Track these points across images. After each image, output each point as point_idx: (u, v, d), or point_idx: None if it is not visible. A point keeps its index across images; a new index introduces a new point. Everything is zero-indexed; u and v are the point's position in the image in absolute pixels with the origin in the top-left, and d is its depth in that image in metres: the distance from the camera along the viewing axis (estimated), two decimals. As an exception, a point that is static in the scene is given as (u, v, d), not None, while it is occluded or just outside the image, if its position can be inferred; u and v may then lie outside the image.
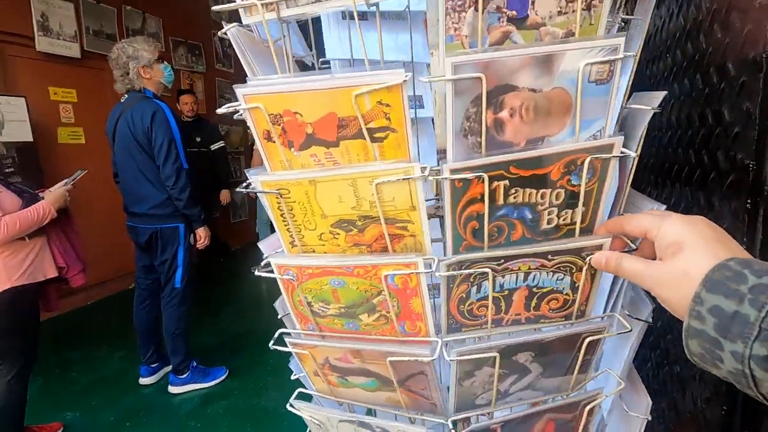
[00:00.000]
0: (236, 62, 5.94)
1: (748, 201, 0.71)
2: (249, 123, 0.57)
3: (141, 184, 2.41)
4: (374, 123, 0.54)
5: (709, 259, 0.37)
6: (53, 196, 1.97)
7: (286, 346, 0.71)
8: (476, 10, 0.52)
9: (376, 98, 0.52)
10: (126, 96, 2.49)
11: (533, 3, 0.51)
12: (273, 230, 0.67)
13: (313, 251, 0.65)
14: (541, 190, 0.56)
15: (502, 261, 0.60)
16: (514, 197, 0.56)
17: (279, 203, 0.61)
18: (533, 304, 0.64)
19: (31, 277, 1.87)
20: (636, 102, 0.61)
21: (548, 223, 0.59)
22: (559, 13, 0.52)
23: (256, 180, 0.59)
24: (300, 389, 0.81)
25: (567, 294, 0.64)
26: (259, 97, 0.55)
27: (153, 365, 2.74)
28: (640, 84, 1.25)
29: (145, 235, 2.48)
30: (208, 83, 5.47)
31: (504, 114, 0.52)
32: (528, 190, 0.56)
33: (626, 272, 0.47)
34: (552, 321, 0.66)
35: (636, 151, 0.58)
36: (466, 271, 0.60)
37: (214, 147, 4.37)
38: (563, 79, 0.51)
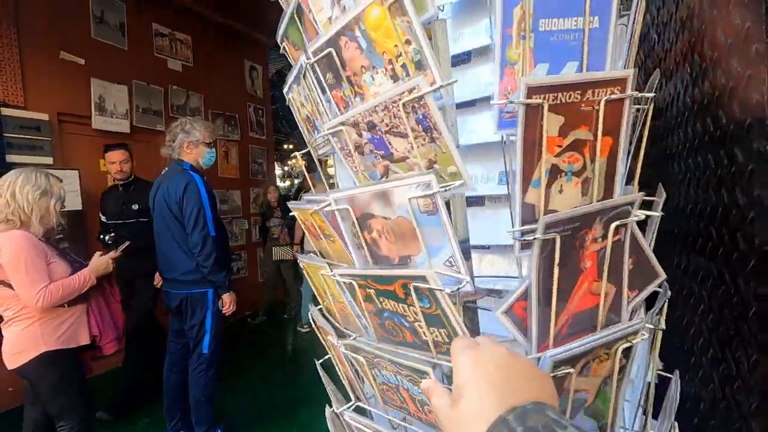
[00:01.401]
0: (267, 130, 6.36)
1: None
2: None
3: (174, 251, 2.55)
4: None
5: (490, 410, 0.33)
6: (96, 263, 2.07)
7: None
8: (359, 154, 0.64)
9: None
10: (166, 168, 2.72)
11: (391, 144, 0.59)
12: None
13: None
14: (401, 304, 0.62)
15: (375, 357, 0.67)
16: (385, 305, 0.64)
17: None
18: (418, 406, 0.69)
19: (64, 344, 1.94)
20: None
21: (424, 335, 0.61)
22: (413, 148, 0.59)
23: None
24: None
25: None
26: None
27: (178, 432, 2.71)
28: (658, 154, 1.27)
29: (176, 300, 2.57)
30: (242, 149, 5.86)
31: (374, 234, 0.61)
32: (391, 301, 0.61)
33: (433, 407, 0.41)
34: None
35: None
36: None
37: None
38: (401, 209, 0.58)
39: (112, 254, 2.21)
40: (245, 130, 5.92)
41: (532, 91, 0.49)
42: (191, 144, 2.66)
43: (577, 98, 0.51)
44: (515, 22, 0.52)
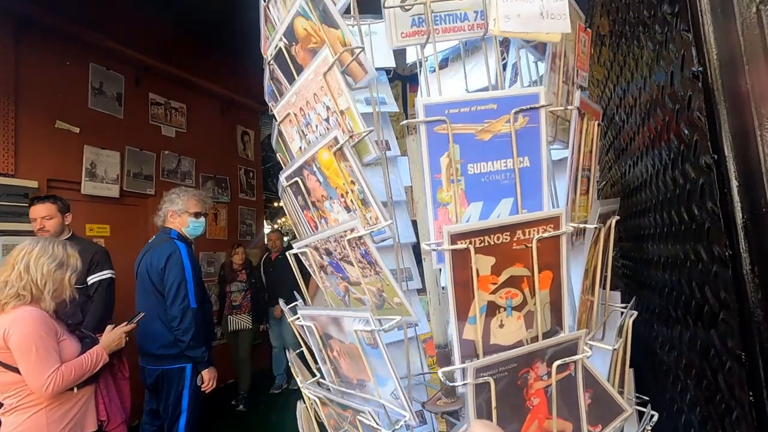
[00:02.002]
0: (258, 192, 6.47)
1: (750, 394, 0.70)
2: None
3: (152, 323, 2.49)
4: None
5: None
6: (109, 339, 1.93)
7: None
8: (323, 272, 0.72)
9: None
10: (154, 237, 2.75)
11: (346, 269, 0.64)
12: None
13: None
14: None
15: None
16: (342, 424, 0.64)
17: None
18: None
19: (70, 432, 1.76)
20: None
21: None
22: (366, 276, 0.63)
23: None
24: None
25: None
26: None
27: None
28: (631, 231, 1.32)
29: (152, 376, 2.48)
30: (231, 211, 5.92)
31: (335, 353, 0.63)
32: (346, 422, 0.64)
33: None
34: None
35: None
36: None
37: (92, 279, 2.71)
38: (350, 336, 0.60)
39: (126, 327, 2.07)
40: (235, 192, 6.02)
41: (456, 237, 0.52)
42: (175, 213, 2.70)
43: (506, 239, 0.55)
44: (443, 169, 0.57)
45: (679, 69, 1.01)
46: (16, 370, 1.68)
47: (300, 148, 0.79)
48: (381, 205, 0.60)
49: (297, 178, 0.73)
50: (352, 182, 0.62)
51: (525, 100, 0.57)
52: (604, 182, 2.15)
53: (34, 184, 3.78)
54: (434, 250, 0.53)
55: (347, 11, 0.77)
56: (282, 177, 0.80)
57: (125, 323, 2.11)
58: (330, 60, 0.62)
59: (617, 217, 0.74)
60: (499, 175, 0.59)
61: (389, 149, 1.24)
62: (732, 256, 0.81)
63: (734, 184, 0.80)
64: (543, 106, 0.57)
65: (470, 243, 0.52)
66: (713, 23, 0.82)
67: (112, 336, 1.97)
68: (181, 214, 2.72)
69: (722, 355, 0.83)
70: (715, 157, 0.84)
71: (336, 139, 0.61)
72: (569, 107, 0.61)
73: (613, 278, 1.89)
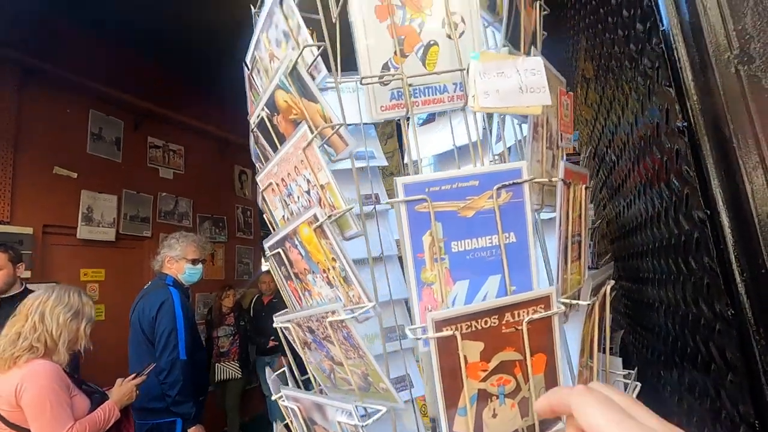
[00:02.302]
0: (255, 230, 6.45)
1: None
2: None
3: (143, 375, 2.41)
4: None
5: None
6: (120, 393, 1.85)
7: None
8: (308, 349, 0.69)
9: None
10: (150, 282, 2.72)
11: (330, 349, 0.61)
12: None
13: None
14: None
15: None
16: None
17: None
18: None
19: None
20: None
21: None
22: (349, 358, 0.61)
23: None
24: None
25: None
26: None
27: None
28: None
29: (141, 430, 2.36)
30: (228, 250, 5.87)
31: None
32: None
33: None
34: None
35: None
36: None
37: None
38: (333, 425, 0.57)
39: (136, 380, 1.98)
40: (232, 231, 6.00)
41: (441, 324, 0.50)
42: (172, 259, 2.68)
43: (495, 322, 0.52)
44: (426, 248, 0.55)
45: (664, 121, 1.01)
46: (21, 429, 1.58)
47: (283, 216, 0.78)
48: (364, 285, 0.58)
49: (279, 249, 0.71)
50: (333, 259, 0.60)
51: (507, 176, 0.56)
52: (599, 220, 2.14)
53: (29, 230, 3.76)
54: (418, 338, 0.50)
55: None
56: (265, 246, 0.78)
57: (133, 376, 2.01)
58: (308, 136, 0.61)
59: (612, 282, 0.71)
60: (485, 252, 0.57)
61: (379, 202, 1.23)
62: (735, 316, 0.78)
63: (730, 242, 0.78)
64: (526, 181, 0.56)
65: (456, 329, 0.50)
66: (694, 81, 0.82)
67: (124, 390, 1.88)
68: (179, 260, 2.69)
69: (733, 417, 0.78)
70: (708, 212, 0.83)
71: (315, 216, 0.60)
72: (554, 179, 0.60)
73: (615, 317, 1.84)
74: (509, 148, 0.94)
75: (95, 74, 4.10)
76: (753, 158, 0.74)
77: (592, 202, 2.44)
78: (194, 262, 2.70)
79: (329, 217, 0.59)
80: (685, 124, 0.87)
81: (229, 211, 5.98)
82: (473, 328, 0.50)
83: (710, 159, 0.81)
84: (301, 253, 0.67)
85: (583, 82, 2.21)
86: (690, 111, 0.86)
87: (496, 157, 1.05)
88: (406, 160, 0.64)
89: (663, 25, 0.92)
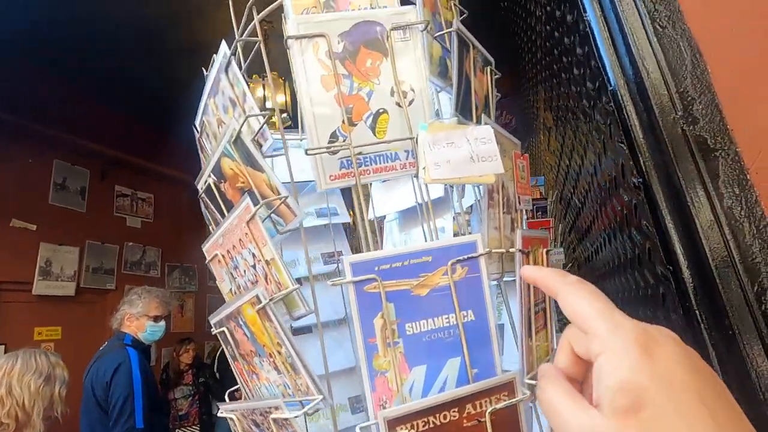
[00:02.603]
0: (228, 276, 6.22)
1: None
2: None
3: (90, 442, 2.20)
4: None
5: None
6: None
7: None
8: None
9: None
10: (106, 343, 2.54)
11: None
12: None
13: None
14: None
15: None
16: None
17: None
18: None
19: None
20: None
21: None
22: None
23: None
24: None
25: None
26: None
27: None
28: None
29: None
30: (199, 301, 5.61)
31: None
32: None
33: (543, 405, 0.30)
34: None
35: None
36: None
37: None
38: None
39: None
40: (203, 280, 5.76)
41: (394, 423, 0.44)
42: (132, 316, 2.52)
43: (455, 416, 0.47)
44: (378, 332, 0.51)
45: (620, 175, 1.03)
46: None
47: (230, 290, 0.72)
48: (313, 374, 0.52)
49: (224, 328, 0.65)
50: (279, 344, 0.55)
51: (462, 250, 0.53)
52: (570, 263, 2.15)
53: (-24, 289, 3.51)
54: (369, 441, 0.44)
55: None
56: (211, 322, 0.71)
57: None
58: (251, 209, 0.57)
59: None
60: (442, 332, 0.53)
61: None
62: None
63: (693, 299, 0.77)
64: (482, 255, 0.53)
65: (412, 427, 0.44)
66: (644, 140, 0.84)
67: None
68: (140, 317, 2.53)
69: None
70: (671, 269, 0.82)
71: (258, 297, 0.55)
72: (511, 249, 0.58)
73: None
74: (470, 206, 0.93)
75: (61, 123, 4.00)
76: (707, 216, 0.74)
77: (562, 245, 2.46)
78: (157, 319, 2.54)
79: (271, 299, 0.54)
80: (641, 180, 0.88)
81: (200, 259, 5.74)
82: (431, 425, 0.45)
83: (667, 216, 0.81)
84: (246, 334, 0.61)
85: (545, 130, 2.29)
86: (644, 167, 0.87)
87: (459, 215, 1.04)
88: (360, 229, 0.61)
89: (611, 85, 0.95)
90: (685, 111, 0.79)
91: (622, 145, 0.94)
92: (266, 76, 3.54)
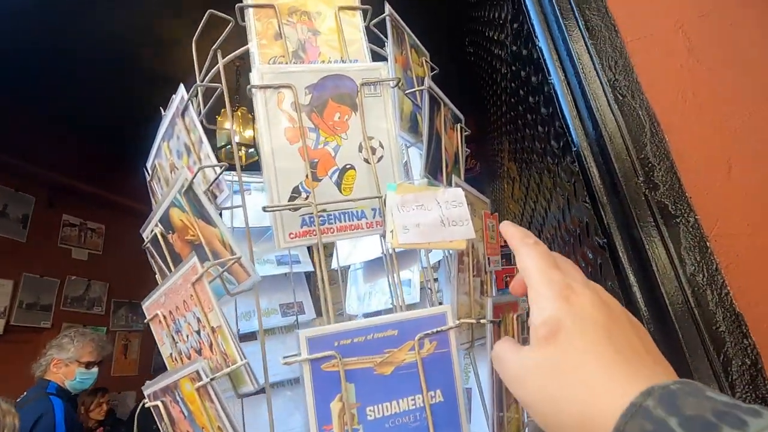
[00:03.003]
0: (181, 314, 5.85)
1: None
2: None
3: None
4: None
5: (606, 369, 0.28)
6: None
7: None
8: None
9: None
10: (26, 393, 2.24)
11: None
12: None
13: None
14: None
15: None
16: None
17: None
18: None
19: None
20: None
21: None
22: None
23: None
24: None
25: None
26: None
27: None
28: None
29: None
30: (145, 341, 5.19)
31: None
32: None
33: (493, 360, 0.37)
34: None
35: None
36: None
37: None
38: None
39: None
40: (153, 317, 5.38)
41: None
42: (60, 362, 2.26)
43: None
44: (335, 417, 0.45)
45: (585, 234, 1.04)
46: None
47: (171, 355, 0.64)
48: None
49: (158, 402, 0.57)
50: (220, 428, 0.47)
51: (430, 322, 0.49)
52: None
53: None
54: None
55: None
56: (145, 392, 0.62)
57: None
58: (198, 270, 0.51)
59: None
60: (407, 416, 0.47)
61: (303, 313, 1.11)
62: None
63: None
64: (452, 328, 0.49)
65: None
66: (608, 202, 0.86)
67: None
68: (70, 363, 2.27)
69: None
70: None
71: (198, 373, 0.47)
72: (482, 320, 0.54)
73: None
74: (438, 262, 0.90)
75: (6, 146, 3.74)
76: (672, 284, 0.75)
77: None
78: (89, 365, 2.29)
79: (213, 378, 0.47)
80: (605, 240, 0.89)
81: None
82: None
83: (632, 277, 0.81)
84: (183, 412, 0.53)
85: (508, 179, 2.35)
86: (608, 228, 0.88)
87: (426, 270, 1.00)
88: (320, 295, 0.55)
89: (575, 146, 0.98)
90: (646, 177, 0.81)
91: (587, 205, 0.96)
92: (236, 108, 3.51)
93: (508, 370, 0.33)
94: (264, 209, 0.52)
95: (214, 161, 0.58)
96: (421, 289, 1.00)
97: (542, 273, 0.34)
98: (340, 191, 0.57)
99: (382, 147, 0.60)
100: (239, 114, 3.56)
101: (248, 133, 3.54)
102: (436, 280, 1.00)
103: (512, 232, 0.40)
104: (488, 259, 0.69)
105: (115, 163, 4.90)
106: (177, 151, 0.66)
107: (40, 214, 4.27)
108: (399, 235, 0.50)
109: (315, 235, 0.55)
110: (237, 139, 3.36)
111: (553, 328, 0.30)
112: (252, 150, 3.62)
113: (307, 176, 0.56)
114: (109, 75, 3.52)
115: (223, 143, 3.33)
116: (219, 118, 3.22)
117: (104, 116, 4.06)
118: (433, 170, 0.61)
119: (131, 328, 5.04)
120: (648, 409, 0.24)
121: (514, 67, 1.51)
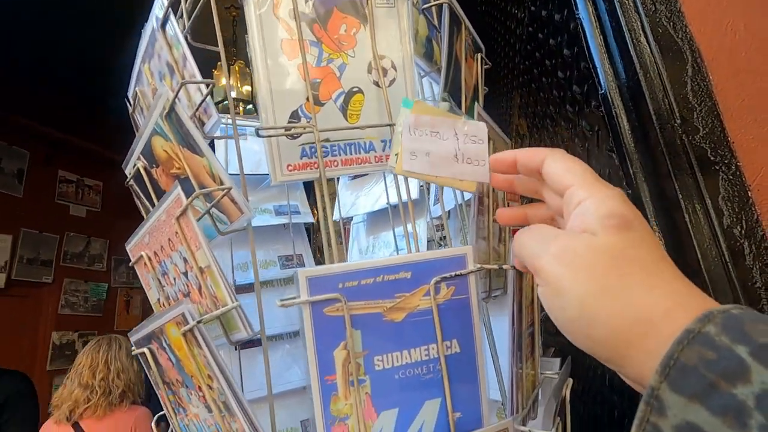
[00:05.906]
0: (182, 273, 5.90)
1: None
2: None
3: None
4: None
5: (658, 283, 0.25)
6: None
7: None
8: None
9: None
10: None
11: None
12: None
13: None
14: None
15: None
16: None
17: None
18: None
19: None
20: None
21: None
22: None
23: None
24: None
25: None
26: None
27: None
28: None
29: None
30: (147, 296, 5.23)
31: None
32: None
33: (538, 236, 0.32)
34: None
35: None
36: None
37: None
38: None
39: None
40: (154, 275, 5.42)
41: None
42: None
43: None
44: (339, 367, 0.40)
45: (607, 186, 0.96)
46: None
47: (158, 300, 0.59)
48: (254, 420, 0.40)
49: (146, 349, 0.52)
50: (210, 377, 0.42)
51: (448, 264, 0.43)
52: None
53: None
54: None
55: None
56: (131, 339, 0.57)
57: None
58: (183, 202, 0.45)
59: (570, 381, 0.60)
60: (419, 368, 0.42)
61: (303, 265, 1.06)
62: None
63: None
64: (472, 272, 0.43)
65: (376, 497, 0.34)
66: (636, 148, 0.78)
67: None
68: None
69: None
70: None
71: (184, 316, 0.42)
72: (504, 266, 0.48)
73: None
74: (448, 212, 0.84)
75: (1, 101, 3.60)
76: (706, 237, 0.69)
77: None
78: None
79: (200, 320, 0.42)
80: (629, 191, 0.82)
81: (152, 254, 5.43)
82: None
83: (659, 233, 0.75)
84: (171, 360, 0.48)
85: (517, 137, 2.25)
86: (633, 178, 0.81)
87: (435, 221, 0.94)
88: (322, 230, 0.49)
89: (602, 89, 0.89)
90: (683, 119, 0.73)
91: (612, 154, 0.88)
92: (233, 62, 3.34)
93: (565, 251, 0.28)
94: (257, 133, 0.45)
95: (200, 78, 0.50)
96: (429, 241, 0.94)
97: (591, 172, 0.31)
98: (346, 118, 0.50)
99: (395, 69, 0.51)
100: (236, 68, 3.39)
101: (246, 88, 3.38)
102: (439, 229, 0.94)
103: (531, 151, 0.37)
104: (508, 204, 0.62)
105: (113, 120, 4.75)
106: (159, 72, 0.58)
107: (35, 170, 4.19)
108: (404, 162, 0.42)
109: (317, 167, 0.48)
110: (234, 94, 3.21)
111: (625, 222, 0.27)
112: (250, 106, 3.48)
113: (307, 99, 0.48)
114: (112, 28, 3.32)
115: (220, 98, 3.19)
116: (216, 72, 3.06)
117: (104, 76, 3.88)
118: (453, 96, 0.53)
119: (132, 284, 5.07)
120: (709, 336, 0.20)
121: (534, 7, 1.39)
